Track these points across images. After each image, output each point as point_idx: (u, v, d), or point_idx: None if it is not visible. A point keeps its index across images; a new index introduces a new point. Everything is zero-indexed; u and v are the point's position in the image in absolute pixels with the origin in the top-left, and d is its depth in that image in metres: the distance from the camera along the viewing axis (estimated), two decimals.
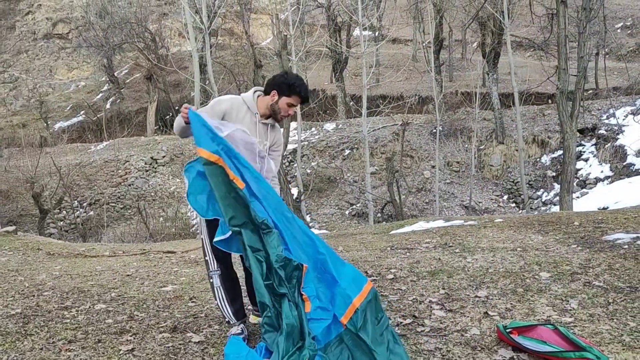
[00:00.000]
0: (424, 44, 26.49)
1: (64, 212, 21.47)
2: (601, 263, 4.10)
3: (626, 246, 4.50)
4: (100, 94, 38.86)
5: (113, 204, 22.07)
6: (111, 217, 21.39)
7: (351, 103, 25.54)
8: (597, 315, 3.18)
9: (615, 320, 3.09)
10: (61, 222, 21.02)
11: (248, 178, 2.91)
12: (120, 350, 2.97)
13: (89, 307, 3.82)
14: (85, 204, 21.90)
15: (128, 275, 4.78)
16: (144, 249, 6.00)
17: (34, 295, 4.13)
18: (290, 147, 20.61)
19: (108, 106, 36.06)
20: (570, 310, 3.29)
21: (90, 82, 42.15)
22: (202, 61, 21.35)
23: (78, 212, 21.24)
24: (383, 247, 5.37)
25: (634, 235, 4.80)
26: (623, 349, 2.73)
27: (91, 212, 21.68)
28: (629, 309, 3.22)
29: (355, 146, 21.12)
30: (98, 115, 33.85)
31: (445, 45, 26.70)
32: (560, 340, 2.73)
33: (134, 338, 3.17)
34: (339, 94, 25.62)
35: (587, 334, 2.93)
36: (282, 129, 3.55)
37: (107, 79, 37.79)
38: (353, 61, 28.58)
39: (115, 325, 3.42)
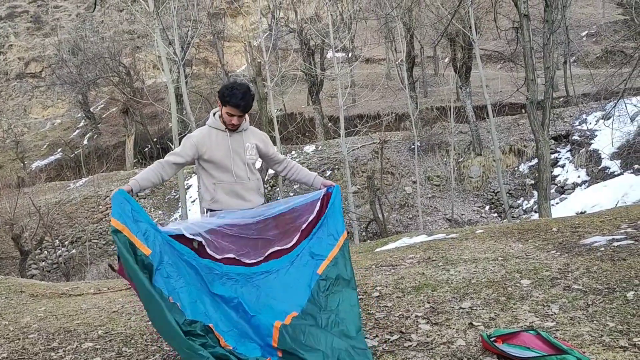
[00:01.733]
0: (396, 62, 26.93)
1: (45, 252, 21.15)
2: (579, 267, 4.20)
3: (602, 249, 4.61)
4: (77, 131, 38.64)
5: (95, 241, 21.82)
6: (94, 254, 21.13)
7: (329, 124, 25.79)
8: (578, 318, 3.26)
9: (595, 321, 3.18)
10: (43, 263, 20.69)
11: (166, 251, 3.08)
12: None
13: (76, 346, 3.80)
14: (66, 243, 21.62)
15: (114, 311, 4.75)
16: (128, 284, 5.97)
17: (19, 339, 4.09)
18: (271, 171, 20.64)
19: (85, 142, 35.85)
20: (552, 315, 3.37)
21: (66, 119, 41.90)
22: (178, 92, 21.44)
23: (60, 251, 20.94)
24: (368, 265, 5.42)
25: (610, 238, 4.92)
26: (604, 349, 2.81)
27: (73, 250, 21.40)
28: (608, 310, 3.31)
29: (336, 167, 21.26)
30: (76, 152, 33.63)
31: (417, 62, 27.17)
32: (543, 345, 2.80)
33: None
34: (317, 116, 25.84)
35: (568, 337, 3.01)
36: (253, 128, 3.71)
37: (83, 115, 37.64)
38: (328, 83, 28.90)
39: None
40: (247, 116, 3.59)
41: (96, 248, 21.61)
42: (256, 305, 3.13)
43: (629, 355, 2.70)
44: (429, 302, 3.89)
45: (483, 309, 3.62)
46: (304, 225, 3.49)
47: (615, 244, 4.70)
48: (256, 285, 3.24)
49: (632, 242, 4.66)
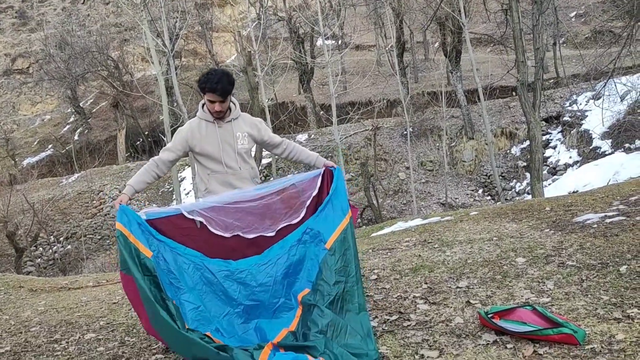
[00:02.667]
0: (386, 48, 26.89)
1: (40, 248, 21.11)
2: (573, 244, 4.27)
3: (595, 225, 4.68)
4: (67, 126, 38.35)
5: (90, 236, 21.79)
6: (89, 249, 21.11)
7: (321, 112, 25.75)
8: (572, 292, 3.33)
9: (589, 295, 3.24)
10: (39, 259, 20.65)
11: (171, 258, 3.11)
12: None
13: (79, 337, 3.83)
14: (61, 239, 21.58)
15: (114, 303, 4.78)
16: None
17: (21, 332, 4.12)
18: (264, 161, 20.66)
19: (76, 137, 35.61)
20: (547, 290, 3.43)
21: (56, 115, 41.55)
22: (168, 84, 21.32)
23: (55, 247, 20.90)
24: (365, 249, 5.47)
25: (602, 215, 4.99)
26: (598, 322, 2.87)
27: (69, 246, 21.37)
28: (602, 284, 3.38)
29: (329, 154, 21.28)
30: (67, 148, 33.40)
31: (407, 47, 27.14)
32: (539, 320, 2.86)
33: None
34: (308, 105, 25.80)
35: (564, 311, 3.07)
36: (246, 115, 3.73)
37: (73, 110, 37.34)
38: (319, 71, 28.83)
39: (107, 352, 3.44)
40: (236, 103, 3.58)
41: (91, 243, 21.58)
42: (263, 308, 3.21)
43: (622, 327, 2.77)
44: (426, 283, 3.95)
45: (479, 287, 3.68)
46: (309, 201, 3.53)
47: (608, 220, 4.77)
48: (266, 273, 3.29)
49: (624, 218, 4.73)
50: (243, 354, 2.74)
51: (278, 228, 3.44)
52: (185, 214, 3.25)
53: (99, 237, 21.93)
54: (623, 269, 3.55)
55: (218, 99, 3.37)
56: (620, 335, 2.67)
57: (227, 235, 3.32)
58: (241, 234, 3.37)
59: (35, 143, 37.52)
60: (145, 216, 3.19)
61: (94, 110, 39.18)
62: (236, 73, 26.17)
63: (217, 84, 3.32)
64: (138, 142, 32.86)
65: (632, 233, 4.25)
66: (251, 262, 3.30)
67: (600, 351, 2.56)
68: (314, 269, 3.24)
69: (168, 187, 23.30)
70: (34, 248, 20.36)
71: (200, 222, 3.29)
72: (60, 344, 3.71)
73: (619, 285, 3.32)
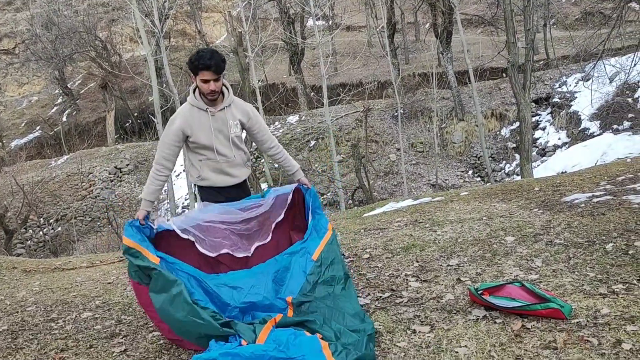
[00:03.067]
0: (377, 29, 26.75)
1: (30, 230, 21.03)
2: (561, 223, 4.36)
3: (583, 205, 4.78)
4: (55, 108, 37.93)
5: (81, 218, 21.73)
6: (80, 231, 21.06)
7: (312, 94, 25.67)
8: (560, 270, 3.42)
9: (576, 272, 3.33)
10: (29, 242, 20.58)
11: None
12: (113, 352, 3.06)
13: (75, 316, 3.88)
14: (51, 221, 21.50)
15: (109, 283, 4.83)
16: (122, 257, 6.04)
17: (17, 312, 4.16)
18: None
19: (64, 119, 35.26)
20: (535, 268, 3.52)
21: (43, 96, 41.05)
22: (158, 64, 21.12)
23: (45, 229, 20.84)
24: (357, 229, 5.54)
25: (590, 194, 5.09)
26: (584, 297, 2.96)
27: (59, 228, 21.31)
28: (588, 261, 3.47)
29: (320, 136, 21.28)
30: (55, 130, 33.09)
31: (398, 28, 27.02)
32: (527, 296, 2.94)
33: (125, 340, 3.26)
34: (299, 86, 25.70)
35: (551, 287, 3.16)
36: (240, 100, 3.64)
37: (61, 92, 36.91)
38: (309, 52, 28.66)
39: (105, 330, 3.49)
40: (229, 87, 3.51)
41: (82, 225, 21.54)
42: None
43: (607, 301, 2.86)
44: (417, 261, 4.02)
45: (470, 265, 3.77)
46: (278, 219, 3.66)
47: (595, 200, 4.86)
48: (256, 278, 3.36)
49: (611, 197, 4.83)
50: (246, 327, 2.82)
51: (253, 248, 3.56)
52: (180, 233, 3.32)
53: (89, 219, 21.89)
54: (609, 246, 3.65)
55: (212, 77, 3.27)
56: (605, 310, 2.77)
57: (214, 254, 3.42)
58: (230, 252, 3.47)
59: (23, 125, 37.13)
60: (157, 226, 3.32)
61: (82, 91, 38.75)
62: (226, 54, 25.92)
63: (210, 60, 3.23)
64: (127, 124, 32.62)
65: (618, 212, 4.35)
66: (242, 274, 3.38)
67: (586, 325, 2.65)
68: (300, 278, 3.28)
69: None
70: (24, 230, 20.29)
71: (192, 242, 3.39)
72: (57, 323, 3.75)
73: (604, 263, 3.41)
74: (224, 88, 3.45)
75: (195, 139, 3.39)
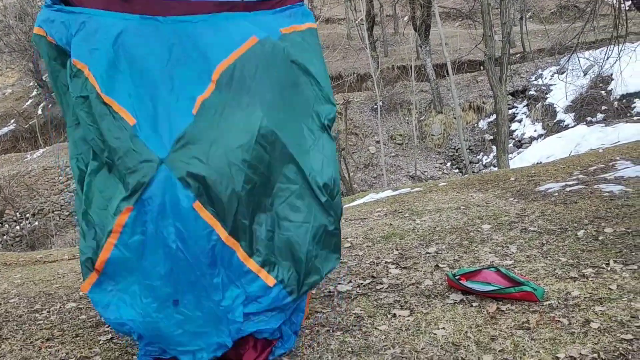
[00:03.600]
0: (356, 22, 26.80)
1: (7, 225, 20.73)
2: (535, 211, 4.51)
3: (556, 194, 4.94)
4: (30, 100, 37.24)
5: (58, 212, 21.48)
6: (58, 225, 20.83)
7: None
8: (534, 255, 3.55)
9: (549, 258, 3.47)
10: (5, 236, 20.30)
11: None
12: (99, 340, 3.10)
13: (60, 307, 3.90)
14: (28, 215, 21.22)
15: None
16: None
17: (0, 304, 4.16)
18: None
19: (40, 112, 34.68)
20: (510, 254, 3.65)
21: (18, 89, 40.25)
22: None
23: (22, 223, 20.56)
24: None
25: (563, 184, 5.26)
26: (556, 281, 3.10)
27: (36, 223, 21.03)
28: (560, 247, 3.62)
29: None
30: (30, 123, 32.54)
31: (377, 21, 27.11)
32: (502, 280, 3.07)
33: (111, 328, 3.30)
34: None
35: (525, 272, 3.29)
36: None
37: (35, 84, 36.26)
38: None
39: (90, 320, 3.53)
40: None
41: (59, 219, 21.29)
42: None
43: (578, 285, 3.00)
44: (397, 249, 4.13)
45: (447, 252, 3.89)
46: None
47: (568, 189, 5.03)
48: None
49: (583, 186, 5.00)
50: None
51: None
52: None
53: (67, 213, 21.64)
54: (580, 233, 3.80)
55: None
56: (575, 292, 2.90)
57: None
58: None
59: None
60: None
61: None
62: None
63: None
64: None
65: (589, 200, 4.51)
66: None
67: (557, 306, 2.78)
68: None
69: None
70: (0, 225, 20.00)
71: None
72: (42, 314, 3.77)
73: (576, 248, 3.56)
74: None
75: None
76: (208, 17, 2.58)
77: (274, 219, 2.50)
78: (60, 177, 22.64)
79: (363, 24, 21.00)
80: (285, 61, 2.64)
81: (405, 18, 30.65)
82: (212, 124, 2.37)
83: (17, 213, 20.96)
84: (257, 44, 2.58)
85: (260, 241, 2.44)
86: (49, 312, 3.81)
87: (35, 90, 37.20)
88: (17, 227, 20.61)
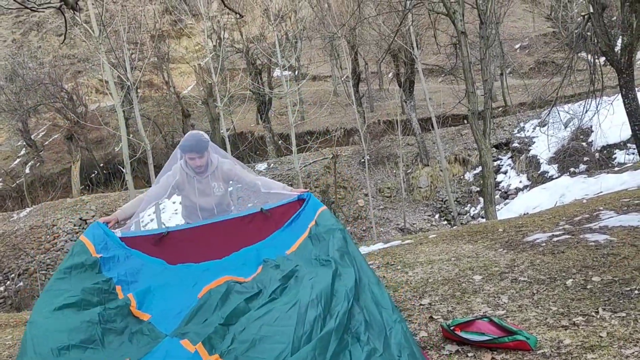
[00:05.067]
0: (342, 79, 27.57)
1: None
2: (524, 261, 4.61)
3: (544, 244, 5.05)
4: (18, 159, 37.28)
5: (44, 272, 21.14)
6: (43, 285, 20.47)
7: (280, 142, 26.02)
8: (525, 305, 3.63)
9: (540, 307, 3.55)
10: None
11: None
12: None
13: None
14: (12, 276, 20.85)
15: None
16: None
17: None
18: None
19: (27, 171, 34.67)
20: (502, 304, 3.72)
21: (6, 148, 40.32)
22: (125, 115, 21.21)
23: (7, 283, 20.17)
24: None
25: (550, 234, 5.38)
26: (548, 329, 3.17)
27: (20, 283, 20.65)
28: (551, 296, 3.70)
29: (289, 183, 21.50)
30: (17, 182, 32.46)
31: (362, 78, 27.91)
32: (495, 330, 3.13)
33: None
34: (267, 134, 26.07)
35: (517, 321, 3.36)
36: (224, 166, 4.10)
37: (24, 143, 36.40)
38: (277, 101, 29.22)
39: None
40: (214, 158, 4.01)
41: (45, 279, 20.92)
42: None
43: (569, 333, 3.07)
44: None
45: (441, 303, 3.94)
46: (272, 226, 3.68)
47: (555, 239, 5.15)
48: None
49: (570, 236, 5.13)
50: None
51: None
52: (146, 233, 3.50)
53: (53, 272, 21.29)
54: (569, 282, 3.89)
55: (196, 155, 3.85)
56: (567, 340, 2.97)
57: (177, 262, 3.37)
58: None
59: None
60: (120, 234, 3.37)
61: (47, 142, 38.29)
62: (194, 104, 26.18)
63: (192, 142, 3.83)
64: (93, 174, 32.26)
65: (576, 250, 4.63)
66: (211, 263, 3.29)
67: (550, 355, 2.84)
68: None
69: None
70: None
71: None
72: None
73: (565, 297, 3.64)
74: (209, 159, 4.00)
75: (183, 196, 4.08)
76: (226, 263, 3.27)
77: None
78: (47, 236, 22.41)
79: (349, 81, 21.62)
80: None
81: (390, 75, 31.58)
82: None
83: (2, 273, 20.60)
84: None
85: None
86: None
87: (24, 149, 37.32)
88: (1, 288, 20.21)
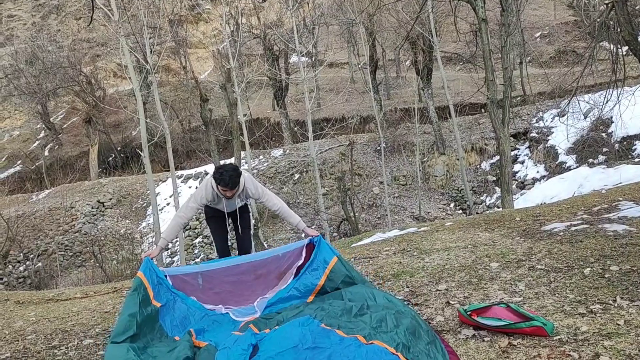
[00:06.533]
0: (359, 66, 27.43)
1: (10, 266, 20.71)
2: (542, 250, 4.61)
3: (562, 233, 5.04)
4: (37, 142, 37.77)
5: (62, 253, 21.48)
6: (61, 265, 20.81)
7: (296, 128, 26.04)
8: (542, 292, 3.64)
9: (557, 294, 3.56)
10: (8, 277, 20.25)
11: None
12: None
13: (77, 343, 3.97)
14: (31, 256, 21.22)
15: (106, 312, 4.92)
16: (115, 287, 6.12)
17: (17, 340, 4.23)
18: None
19: (46, 153, 35.13)
20: (519, 291, 3.74)
21: (25, 131, 40.86)
22: (143, 99, 21.34)
23: (27, 264, 20.56)
24: (347, 258, 5.71)
25: (568, 223, 5.37)
26: (565, 317, 3.18)
27: (39, 264, 21.03)
28: (568, 285, 3.71)
29: (305, 170, 21.54)
30: (37, 164, 32.92)
31: (380, 65, 27.73)
32: (512, 316, 3.16)
33: None
34: (283, 121, 26.09)
35: (534, 308, 3.38)
36: (250, 191, 4.59)
37: (43, 126, 36.85)
38: (293, 87, 29.18)
39: None
40: (241, 183, 4.38)
41: (63, 260, 21.28)
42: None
43: (586, 320, 3.08)
44: (408, 287, 4.22)
45: (457, 289, 3.97)
46: (294, 271, 4.16)
47: (573, 228, 5.13)
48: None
49: (588, 226, 5.11)
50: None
51: (255, 303, 4.08)
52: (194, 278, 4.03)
53: (71, 253, 21.65)
54: (587, 271, 3.89)
55: (229, 190, 4.29)
56: (584, 327, 2.99)
57: (217, 307, 3.97)
58: (227, 308, 3.99)
59: (4, 159, 36.85)
60: (166, 272, 3.88)
61: (65, 125, 38.73)
62: (211, 89, 26.22)
63: (229, 182, 4.21)
64: (110, 158, 32.61)
65: (594, 239, 4.61)
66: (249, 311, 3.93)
67: (567, 341, 2.86)
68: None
69: (142, 202, 23.21)
70: (4, 265, 19.98)
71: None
72: (60, 350, 3.84)
73: (583, 285, 3.65)
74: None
75: (212, 206, 4.68)
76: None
77: None
78: (65, 218, 22.75)
79: (366, 68, 21.50)
80: None
81: (407, 62, 31.34)
82: None
83: (21, 253, 20.98)
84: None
85: None
86: (67, 347, 3.88)
87: (43, 132, 37.77)
88: (21, 268, 20.60)
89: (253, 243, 5.04)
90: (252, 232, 4.90)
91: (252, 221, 4.82)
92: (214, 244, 4.94)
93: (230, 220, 4.80)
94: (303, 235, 4.34)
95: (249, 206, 4.96)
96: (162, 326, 3.55)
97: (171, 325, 3.61)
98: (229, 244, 5.01)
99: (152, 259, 3.86)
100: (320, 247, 4.06)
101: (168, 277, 3.86)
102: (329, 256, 3.97)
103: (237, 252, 4.94)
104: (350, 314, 3.21)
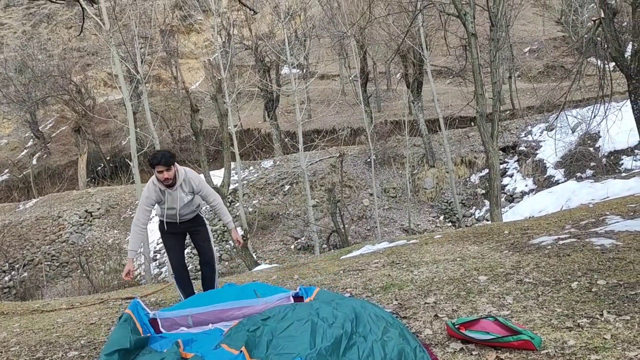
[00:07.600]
0: (350, 78, 27.58)
1: None
2: (530, 263, 4.63)
3: (549, 247, 5.07)
4: (25, 150, 37.50)
5: (49, 263, 21.26)
6: (47, 275, 20.57)
7: (286, 139, 26.08)
8: (530, 306, 3.65)
9: (544, 308, 3.57)
10: None
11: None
12: None
13: (62, 355, 3.92)
14: (17, 266, 20.98)
15: (92, 323, 4.86)
16: (102, 298, 6.06)
17: (1, 352, 4.16)
18: (230, 187, 20.73)
19: (34, 162, 34.87)
20: (507, 304, 3.74)
21: (13, 139, 40.55)
22: (133, 109, 21.30)
23: (12, 274, 20.30)
24: (336, 271, 5.71)
25: (555, 237, 5.40)
26: (552, 330, 3.19)
27: (25, 274, 20.78)
28: (555, 298, 3.72)
29: (295, 181, 21.54)
30: (24, 173, 32.65)
31: (370, 78, 27.91)
32: (500, 329, 3.16)
33: None
34: (274, 132, 26.13)
35: (522, 322, 3.38)
36: (190, 181, 4.88)
37: (32, 135, 36.60)
38: (284, 99, 29.26)
39: None
40: (179, 171, 4.65)
41: (49, 270, 21.05)
42: None
43: (573, 334, 3.09)
44: (396, 300, 4.21)
45: (446, 302, 3.97)
46: None
47: (561, 242, 5.16)
48: None
49: (575, 240, 5.14)
50: None
51: None
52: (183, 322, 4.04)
53: (58, 263, 21.43)
54: (574, 284, 3.91)
55: (164, 168, 4.50)
56: (571, 342, 2.99)
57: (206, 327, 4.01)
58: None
59: None
60: (156, 315, 3.97)
61: (54, 134, 38.49)
62: (201, 99, 26.22)
63: (160, 158, 4.50)
64: (99, 167, 32.43)
65: (582, 253, 4.64)
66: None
67: (554, 355, 2.87)
68: None
69: (130, 213, 23.04)
70: None
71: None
72: None
73: (570, 299, 3.66)
74: (176, 172, 4.64)
75: (160, 207, 4.85)
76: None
77: None
78: (52, 228, 22.54)
79: (357, 81, 21.63)
80: None
81: (398, 75, 31.56)
82: None
83: (7, 263, 20.73)
84: None
85: None
86: (51, 359, 3.83)
87: (31, 140, 37.51)
88: (6, 278, 20.35)
89: (216, 255, 5.20)
90: (212, 243, 5.16)
91: (210, 233, 4.91)
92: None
93: (188, 237, 5.10)
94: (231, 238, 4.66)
95: (204, 219, 5.18)
96: (152, 347, 3.59)
97: (160, 347, 3.64)
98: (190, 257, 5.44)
99: (130, 272, 4.25)
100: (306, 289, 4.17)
101: (158, 320, 3.93)
102: (312, 289, 4.11)
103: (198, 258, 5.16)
104: (339, 349, 3.12)
